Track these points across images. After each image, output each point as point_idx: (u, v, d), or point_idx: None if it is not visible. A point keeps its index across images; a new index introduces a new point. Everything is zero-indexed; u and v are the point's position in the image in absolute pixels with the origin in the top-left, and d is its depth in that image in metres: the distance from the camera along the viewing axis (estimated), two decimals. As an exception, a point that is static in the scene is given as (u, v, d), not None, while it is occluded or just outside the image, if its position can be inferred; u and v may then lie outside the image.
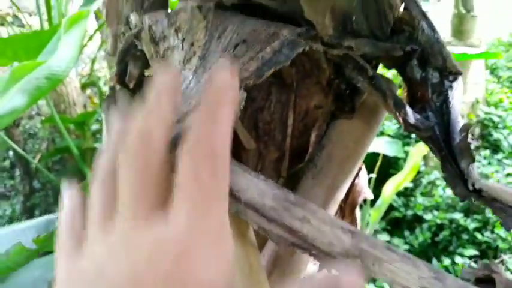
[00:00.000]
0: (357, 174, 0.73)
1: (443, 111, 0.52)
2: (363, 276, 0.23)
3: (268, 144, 0.57)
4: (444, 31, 3.01)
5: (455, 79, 0.56)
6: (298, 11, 0.48)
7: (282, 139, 0.57)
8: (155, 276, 0.20)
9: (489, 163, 2.77)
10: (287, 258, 0.51)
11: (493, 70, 3.83)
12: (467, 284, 0.36)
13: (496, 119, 3.02)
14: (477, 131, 2.99)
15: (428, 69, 0.56)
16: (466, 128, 0.47)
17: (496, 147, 2.92)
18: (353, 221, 0.72)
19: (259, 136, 0.57)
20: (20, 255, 0.54)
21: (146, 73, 0.59)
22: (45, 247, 0.56)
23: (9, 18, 3.09)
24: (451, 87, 0.55)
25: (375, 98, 0.54)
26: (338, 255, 0.37)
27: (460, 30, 2.97)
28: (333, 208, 0.56)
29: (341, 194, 0.57)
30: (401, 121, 0.51)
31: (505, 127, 2.99)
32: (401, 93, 0.58)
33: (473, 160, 0.45)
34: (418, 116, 0.52)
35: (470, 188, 0.43)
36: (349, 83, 0.57)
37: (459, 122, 0.49)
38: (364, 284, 0.22)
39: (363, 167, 0.76)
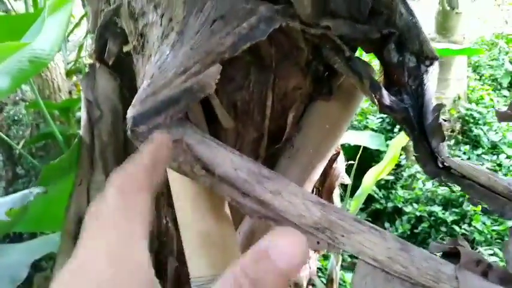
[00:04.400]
0: (335, 159, 0.74)
1: (418, 93, 0.53)
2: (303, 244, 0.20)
3: (246, 124, 0.57)
4: (428, 28, 3.04)
5: (431, 63, 0.57)
6: (277, -11, 0.48)
7: (261, 119, 0.58)
8: None
9: (468, 158, 2.83)
10: (262, 235, 0.52)
11: (475, 68, 3.89)
12: (433, 255, 0.37)
13: (476, 115, 3.08)
14: (458, 126, 3.05)
15: (405, 54, 0.57)
16: (438, 108, 0.48)
17: (476, 143, 2.98)
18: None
19: (238, 115, 0.57)
20: (-8, 227, 0.54)
21: (125, 49, 0.59)
22: (18, 221, 0.56)
23: (-6, 2, 3.01)
24: (426, 71, 0.56)
25: (351, 80, 0.54)
26: (308, 227, 0.38)
27: (443, 26, 3.01)
28: (309, 187, 0.57)
29: (316, 174, 0.58)
30: (376, 103, 0.52)
31: (485, 123, 3.05)
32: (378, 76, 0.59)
33: (443, 139, 0.46)
34: (393, 98, 0.53)
35: (440, 165, 0.44)
36: (327, 66, 0.57)
37: (432, 103, 0.50)
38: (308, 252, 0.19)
39: (341, 153, 0.77)
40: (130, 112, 0.41)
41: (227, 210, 0.48)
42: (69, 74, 2.59)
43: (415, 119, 0.50)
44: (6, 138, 2.17)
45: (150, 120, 0.40)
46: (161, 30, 0.49)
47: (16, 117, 2.92)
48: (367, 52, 0.59)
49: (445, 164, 0.44)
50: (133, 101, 0.43)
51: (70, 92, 2.53)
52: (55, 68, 2.39)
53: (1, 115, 2.84)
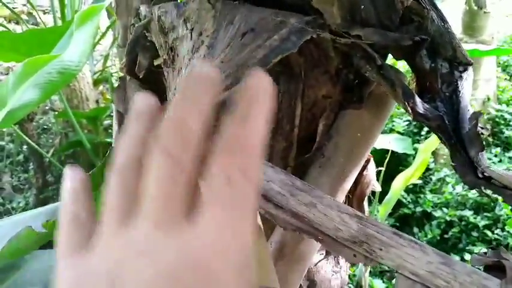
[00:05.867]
0: (366, 167, 0.73)
1: (453, 101, 0.52)
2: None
3: (276, 134, 0.57)
4: (454, 28, 2.98)
5: (465, 69, 0.56)
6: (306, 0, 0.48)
7: (290, 129, 0.57)
8: (176, 285, 0.19)
9: (500, 160, 2.74)
10: (294, 246, 0.51)
11: (505, 68, 3.78)
12: (476, 269, 0.36)
13: (507, 116, 2.99)
14: (488, 128, 2.97)
15: (438, 60, 0.56)
16: (476, 116, 0.47)
17: (507, 145, 2.89)
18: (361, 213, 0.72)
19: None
20: (29, 239, 0.55)
21: (155, 63, 0.60)
22: (54, 232, 0.57)
23: (24, 16, 3.13)
24: (460, 77, 0.55)
25: (383, 88, 0.54)
26: (344, 241, 0.37)
27: (471, 27, 2.93)
28: (341, 197, 0.56)
29: (348, 184, 0.57)
30: (409, 111, 0.51)
31: (516, 125, 2.96)
32: (410, 84, 0.58)
33: (482, 148, 0.44)
34: (427, 106, 0.52)
35: (480, 175, 0.43)
36: (358, 73, 0.56)
37: (469, 110, 0.48)
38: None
39: (372, 160, 0.76)
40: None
41: (259, 222, 0.48)
42: (96, 83, 2.66)
43: (451, 127, 0.49)
44: (36, 147, 2.25)
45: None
46: (191, 44, 0.50)
47: (45, 126, 3.02)
48: (398, 59, 0.58)
49: (485, 174, 0.43)
50: (167, 115, 0.43)
51: (97, 101, 2.59)
52: (83, 78, 2.46)
53: (31, 124, 2.94)
